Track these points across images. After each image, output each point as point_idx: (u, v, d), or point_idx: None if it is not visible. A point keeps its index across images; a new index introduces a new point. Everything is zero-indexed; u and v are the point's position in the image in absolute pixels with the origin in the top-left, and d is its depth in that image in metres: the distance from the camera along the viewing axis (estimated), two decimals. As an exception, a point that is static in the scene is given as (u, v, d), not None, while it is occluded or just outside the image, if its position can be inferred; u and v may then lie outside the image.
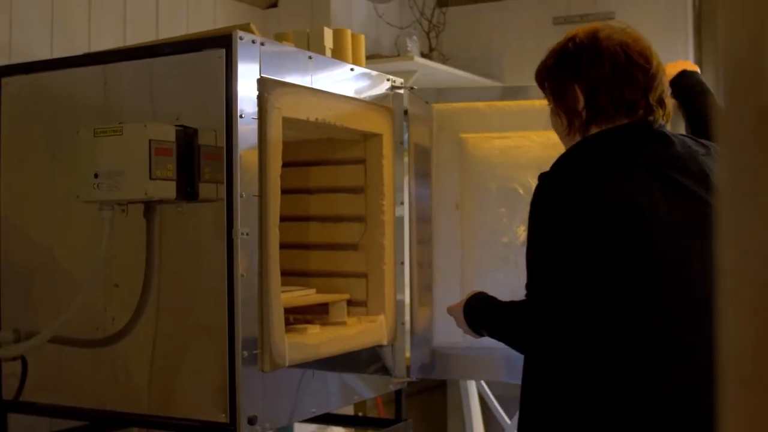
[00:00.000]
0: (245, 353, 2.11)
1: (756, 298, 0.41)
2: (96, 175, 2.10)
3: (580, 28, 1.98)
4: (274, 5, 4.12)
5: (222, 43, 2.13)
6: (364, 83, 2.64)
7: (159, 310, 2.23)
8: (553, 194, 1.80)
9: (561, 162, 1.88)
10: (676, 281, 1.75)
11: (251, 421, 2.12)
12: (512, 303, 1.94)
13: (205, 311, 2.16)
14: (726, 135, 0.40)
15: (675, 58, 4.38)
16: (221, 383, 2.11)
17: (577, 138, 1.92)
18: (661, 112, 1.90)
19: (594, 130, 1.90)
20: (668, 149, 1.87)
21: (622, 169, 1.79)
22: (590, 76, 1.89)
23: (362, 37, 2.75)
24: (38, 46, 2.97)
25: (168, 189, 2.09)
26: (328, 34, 2.62)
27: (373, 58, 3.73)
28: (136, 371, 2.28)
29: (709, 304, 1.66)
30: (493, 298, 2.04)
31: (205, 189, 2.14)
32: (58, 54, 2.97)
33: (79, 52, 2.72)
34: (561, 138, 1.99)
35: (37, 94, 2.48)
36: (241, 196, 2.12)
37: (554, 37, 4.94)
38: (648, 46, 1.92)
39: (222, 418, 2.11)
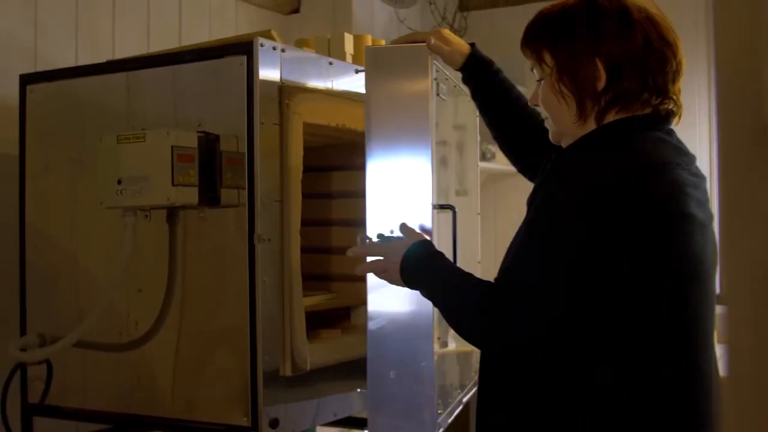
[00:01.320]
0: (267, 357, 2.12)
1: (757, 306, 0.42)
2: (119, 182, 2.12)
3: None
4: (296, 11, 4.14)
5: (243, 49, 2.14)
6: (384, 88, 2.64)
7: (182, 314, 2.25)
8: (590, 191, 1.54)
9: (591, 151, 1.63)
10: (704, 285, 1.61)
11: (273, 425, 2.13)
12: (479, 281, 1.69)
13: (227, 316, 2.18)
14: (724, 147, 0.40)
15: (695, 62, 4.39)
16: (243, 387, 2.12)
17: (590, 126, 1.66)
18: (680, 105, 1.69)
19: (610, 118, 1.65)
20: (686, 148, 1.69)
21: (668, 167, 1.58)
22: (617, 49, 1.61)
23: (383, 43, 2.77)
24: (63, 54, 3.00)
25: (190, 195, 2.10)
26: (348, 40, 2.64)
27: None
28: (159, 375, 2.30)
29: (713, 316, 1.66)
30: (444, 258, 1.78)
31: (226, 194, 2.16)
32: (82, 61, 3.00)
33: (103, 60, 2.75)
34: (560, 122, 1.71)
35: (62, 101, 2.50)
36: (263, 202, 2.13)
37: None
38: (673, 26, 1.69)
39: (244, 421, 2.12)
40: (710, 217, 1.65)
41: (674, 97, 1.67)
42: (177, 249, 2.24)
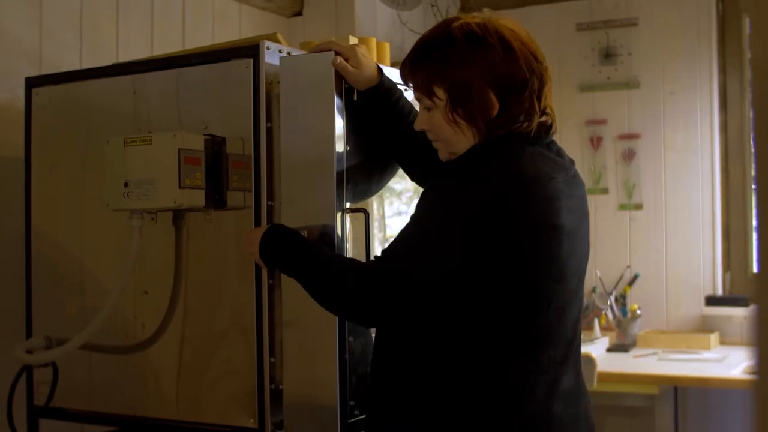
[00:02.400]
0: (273, 359, 2.13)
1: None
2: (126, 184, 2.13)
3: (467, 20, 1.77)
4: (299, 14, 4.14)
5: (249, 52, 2.15)
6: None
7: (188, 316, 2.25)
8: (470, 200, 1.67)
9: (473, 164, 1.74)
10: (571, 284, 1.77)
11: (280, 427, 2.13)
12: (349, 260, 1.89)
13: (233, 318, 2.18)
14: (762, 144, 0.41)
15: (699, 64, 4.40)
16: (250, 389, 2.13)
17: (476, 141, 1.77)
18: (554, 116, 1.83)
19: (499, 132, 1.76)
20: (563, 159, 1.82)
21: (543, 181, 1.71)
22: (506, 78, 1.73)
23: (387, 46, 2.77)
24: (67, 57, 3.01)
25: (197, 197, 2.11)
26: (353, 43, 2.64)
27: (397, 65, 3.74)
28: (165, 377, 2.30)
29: (576, 306, 1.82)
30: (305, 238, 1.95)
31: (233, 197, 2.16)
32: (86, 64, 3.01)
33: (108, 63, 2.76)
34: (455, 146, 1.79)
35: (67, 103, 2.51)
36: (269, 204, 2.13)
37: (577, 43, 4.94)
38: (536, 40, 1.80)
39: (251, 423, 2.13)
40: (581, 218, 1.81)
41: (551, 112, 1.80)
42: (183, 251, 2.24)
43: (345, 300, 1.83)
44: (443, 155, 1.84)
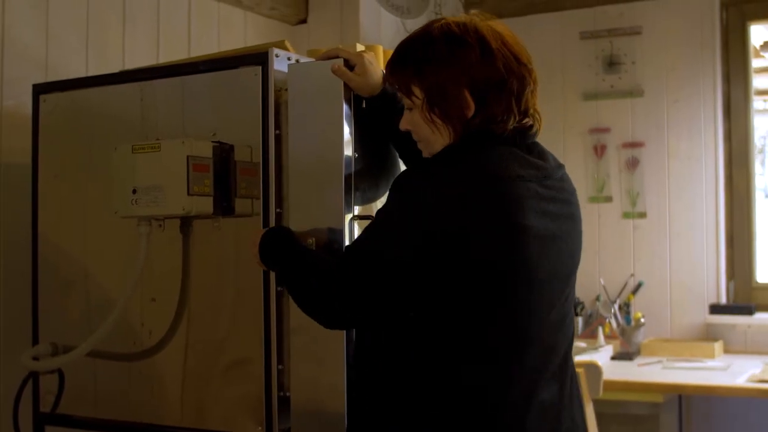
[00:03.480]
0: (281, 366, 2.13)
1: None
2: (134, 191, 2.13)
3: (449, 20, 1.77)
4: (304, 21, 4.15)
5: (258, 60, 2.15)
6: (395, 99, 2.65)
7: (195, 323, 2.25)
8: (425, 196, 1.65)
9: (439, 162, 1.74)
10: (542, 290, 1.73)
11: (286, 434, 2.14)
12: (321, 260, 1.87)
13: (240, 325, 2.18)
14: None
15: (703, 72, 4.40)
16: (257, 396, 2.13)
17: (452, 140, 1.76)
18: (538, 117, 1.80)
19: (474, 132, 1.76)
20: (545, 161, 1.79)
21: (507, 180, 1.68)
22: (482, 78, 1.71)
23: (393, 53, 2.77)
24: (74, 64, 3.01)
25: (205, 204, 2.11)
26: (359, 50, 2.64)
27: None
28: (172, 384, 2.30)
29: (558, 312, 1.77)
30: (299, 243, 1.95)
31: (241, 204, 2.16)
32: (92, 71, 3.01)
33: (114, 70, 2.75)
34: (434, 146, 1.78)
35: (74, 110, 2.51)
36: (277, 212, 2.13)
37: (581, 51, 4.94)
38: (522, 43, 1.78)
39: (259, 431, 2.12)
40: (564, 222, 1.77)
41: (534, 113, 1.78)
42: (190, 258, 2.24)
43: (307, 301, 1.84)
44: (425, 155, 1.84)
